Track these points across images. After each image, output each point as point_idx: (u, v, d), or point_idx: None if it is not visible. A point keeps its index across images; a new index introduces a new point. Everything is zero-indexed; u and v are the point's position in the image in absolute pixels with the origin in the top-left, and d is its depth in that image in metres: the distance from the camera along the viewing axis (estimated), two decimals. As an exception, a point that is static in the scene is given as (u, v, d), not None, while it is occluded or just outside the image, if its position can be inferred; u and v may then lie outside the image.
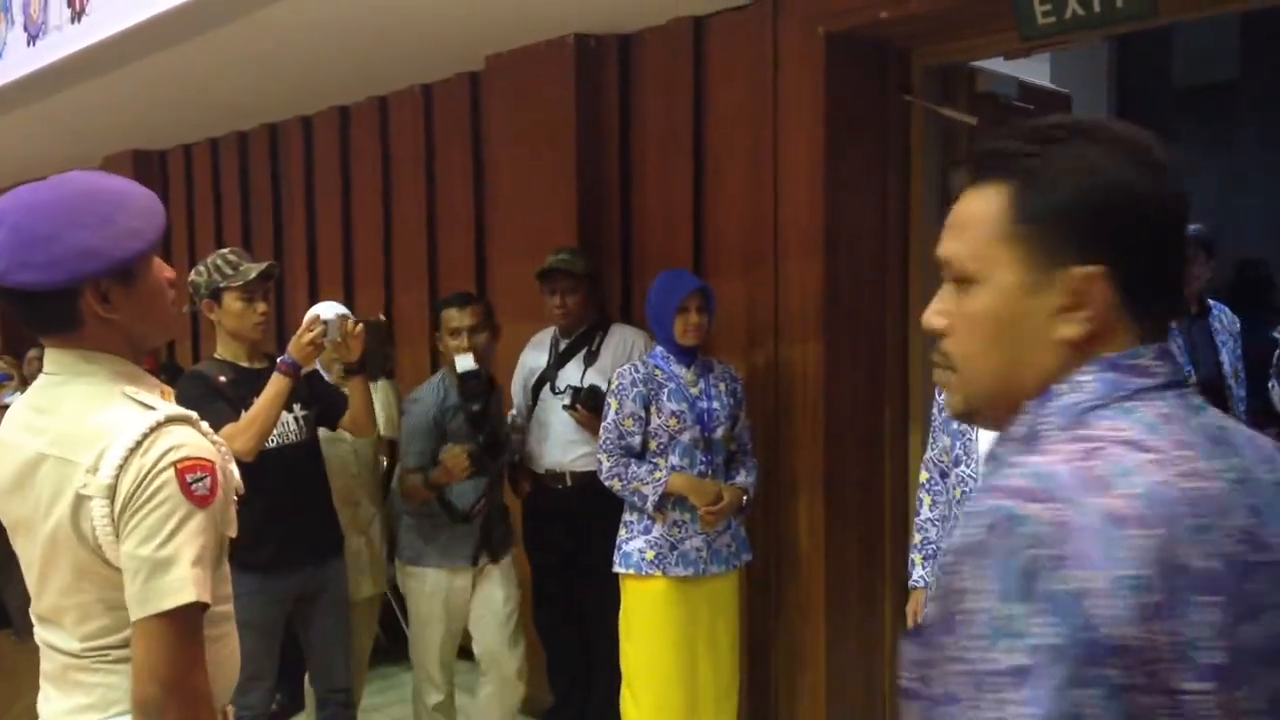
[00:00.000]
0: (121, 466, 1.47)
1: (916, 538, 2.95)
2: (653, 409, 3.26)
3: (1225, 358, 3.56)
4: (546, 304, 3.74)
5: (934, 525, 2.88)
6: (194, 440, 1.53)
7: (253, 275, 3.09)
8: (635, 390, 3.26)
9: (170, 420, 1.52)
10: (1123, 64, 6.04)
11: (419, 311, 4.91)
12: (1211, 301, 3.70)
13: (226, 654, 1.66)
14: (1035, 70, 4.44)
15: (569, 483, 3.67)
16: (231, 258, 3.17)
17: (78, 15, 4.25)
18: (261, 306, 3.12)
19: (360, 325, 3.32)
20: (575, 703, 3.85)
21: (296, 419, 3.17)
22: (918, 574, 2.92)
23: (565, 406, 3.60)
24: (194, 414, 1.58)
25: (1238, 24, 6.42)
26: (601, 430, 3.31)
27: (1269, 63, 6.47)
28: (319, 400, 3.26)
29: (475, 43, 4.26)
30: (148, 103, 5.40)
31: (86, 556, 1.51)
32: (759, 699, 3.72)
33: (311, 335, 3.10)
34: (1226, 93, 6.77)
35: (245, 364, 3.14)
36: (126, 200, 1.56)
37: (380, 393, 3.85)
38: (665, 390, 3.26)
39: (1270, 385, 3.74)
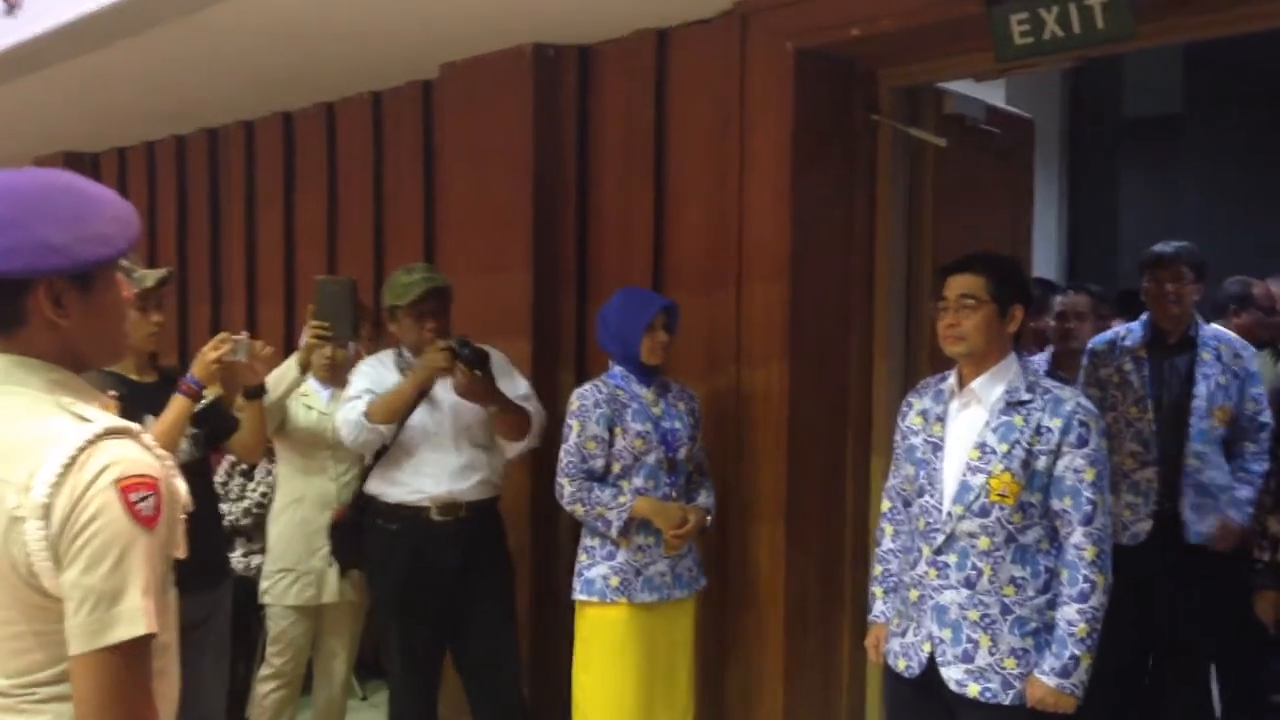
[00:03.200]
0: (56, 484, 1.34)
1: (877, 569, 2.86)
2: (617, 430, 3.14)
3: (1202, 390, 3.43)
4: (410, 332, 3.34)
5: (895, 557, 2.80)
6: (135, 455, 1.40)
7: (149, 283, 2.93)
8: (599, 411, 3.15)
9: (109, 433, 1.39)
10: (1075, 92, 6.08)
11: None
12: (1215, 331, 3.56)
13: (168, 688, 1.53)
14: (991, 95, 4.42)
15: (464, 513, 3.34)
16: (124, 263, 3.00)
17: (11, 8, 4.06)
18: (156, 316, 2.97)
19: (269, 349, 3.20)
20: None
21: (187, 437, 3.01)
22: (879, 608, 2.83)
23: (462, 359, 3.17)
24: (136, 426, 1.45)
25: (1181, 58, 6.51)
26: (562, 453, 3.18)
27: (1209, 98, 6.58)
28: (207, 419, 3.09)
29: (429, 50, 4.13)
30: (81, 103, 5.19)
31: (18, 583, 1.37)
32: (714, 732, 3.61)
33: (218, 353, 2.95)
34: (1169, 126, 6.86)
35: (134, 377, 2.98)
36: (102, 204, 1.46)
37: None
38: (629, 411, 3.15)
39: None
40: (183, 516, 1.49)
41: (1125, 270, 5.94)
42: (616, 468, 3.16)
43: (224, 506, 4.09)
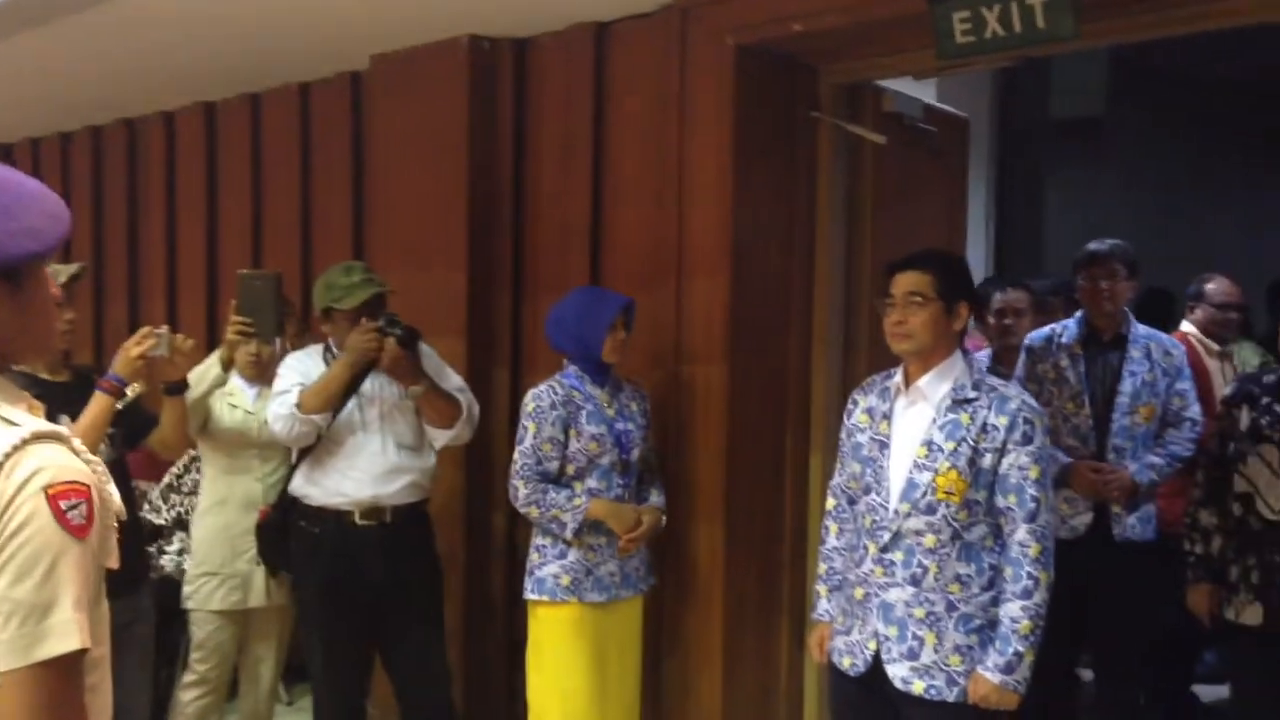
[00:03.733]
0: None
1: (821, 567, 2.84)
2: (571, 432, 3.11)
3: (1127, 387, 3.49)
4: (345, 335, 3.17)
5: (840, 555, 2.78)
6: (65, 460, 1.32)
7: (62, 279, 2.82)
8: (555, 414, 3.11)
9: (36, 438, 1.31)
10: (1005, 93, 6.15)
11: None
12: (1147, 330, 3.59)
13: (102, 704, 1.44)
14: (923, 94, 4.44)
15: (389, 519, 3.25)
16: None
17: (-85, -7, 3.88)
18: (68, 314, 2.88)
19: (191, 342, 3.10)
20: None
21: (104, 437, 2.91)
22: (822, 607, 2.81)
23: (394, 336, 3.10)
24: (65, 430, 1.36)
25: (1105, 61, 6.62)
26: (516, 455, 3.14)
27: (1131, 100, 6.71)
28: (126, 418, 3.00)
29: (359, 40, 4.02)
30: (-8, 92, 5.01)
31: None
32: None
33: (141, 349, 2.88)
34: (1093, 127, 6.98)
35: (46, 376, 2.88)
36: (33, 197, 1.38)
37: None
38: (584, 412, 3.12)
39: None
40: (115, 524, 1.42)
41: (1051, 268, 6.03)
42: (570, 469, 3.14)
43: (175, 498, 4.03)
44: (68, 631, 1.27)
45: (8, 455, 1.27)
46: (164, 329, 2.99)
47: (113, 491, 1.40)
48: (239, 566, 3.54)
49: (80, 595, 1.29)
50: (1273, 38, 3.57)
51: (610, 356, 3.14)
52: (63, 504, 1.28)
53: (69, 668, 1.28)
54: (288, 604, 3.64)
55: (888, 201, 3.66)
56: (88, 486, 1.32)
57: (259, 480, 3.58)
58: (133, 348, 2.88)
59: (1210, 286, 4.29)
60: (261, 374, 3.60)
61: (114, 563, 1.42)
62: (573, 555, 3.12)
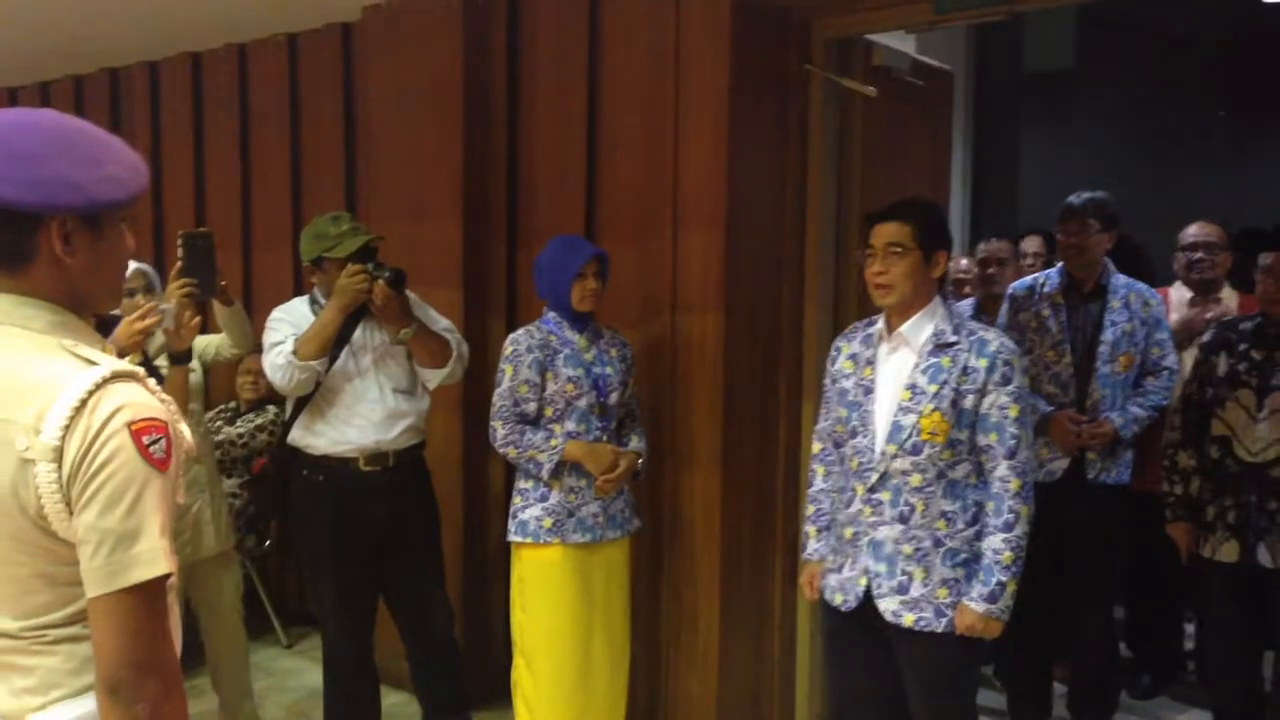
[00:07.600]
0: (67, 427, 1.34)
1: (810, 509, 2.96)
2: (549, 375, 3.20)
3: (1108, 336, 3.58)
4: (340, 285, 3.19)
5: (827, 496, 2.90)
6: (143, 398, 1.41)
7: None
8: (531, 356, 3.19)
9: (116, 376, 1.39)
10: (980, 48, 6.23)
11: (281, 275, 4.68)
12: (1127, 280, 3.67)
13: (175, 626, 1.54)
14: (903, 48, 4.50)
15: (391, 463, 3.35)
16: None
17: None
18: None
19: (196, 318, 3.14)
20: None
21: None
22: (812, 546, 2.93)
23: (383, 278, 3.18)
24: (140, 369, 1.45)
25: (1074, 15, 6.72)
26: (495, 397, 3.23)
27: (1099, 53, 6.82)
28: None
29: (352, -8, 4.06)
30: (-28, 40, 4.96)
31: (26, 526, 1.37)
32: (650, 668, 3.70)
33: (145, 324, 2.92)
34: (1063, 80, 7.09)
35: None
36: (115, 149, 1.48)
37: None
38: (560, 356, 3.20)
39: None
40: (185, 460, 1.50)
41: (1025, 219, 6.15)
42: (549, 412, 3.22)
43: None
44: (154, 558, 1.36)
45: (90, 393, 1.36)
46: (170, 304, 3.02)
47: (184, 429, 1.49)
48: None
49: (165, 523, 1.39)
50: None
51: (580, 305, 3.21)
52: (145, 439, 1.37)
53: (155, 592, 1.38)
54: (232, 549, 3.70)
55: (876, 153, 3.73)
56: (165, 423, 1.41)
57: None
58: (136, 323, 2.91)
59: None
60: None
61: (182, 498, 1.51)
62: (554, 498, 3.21)
